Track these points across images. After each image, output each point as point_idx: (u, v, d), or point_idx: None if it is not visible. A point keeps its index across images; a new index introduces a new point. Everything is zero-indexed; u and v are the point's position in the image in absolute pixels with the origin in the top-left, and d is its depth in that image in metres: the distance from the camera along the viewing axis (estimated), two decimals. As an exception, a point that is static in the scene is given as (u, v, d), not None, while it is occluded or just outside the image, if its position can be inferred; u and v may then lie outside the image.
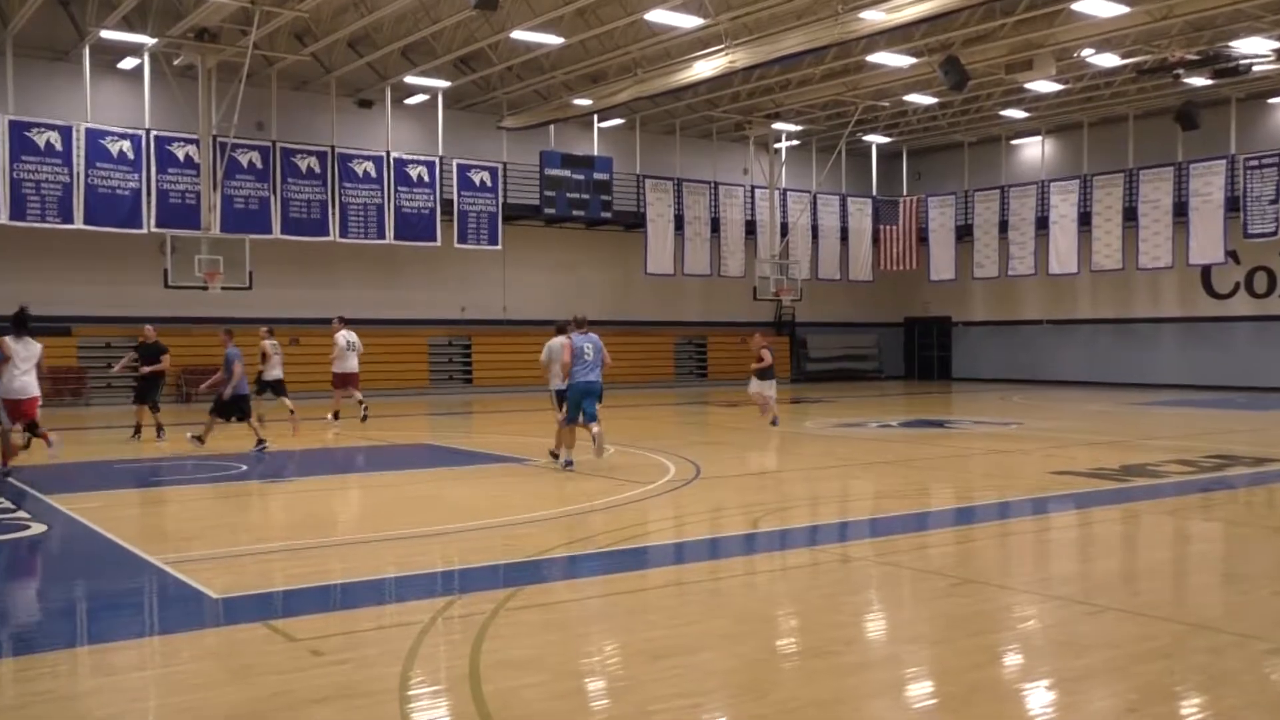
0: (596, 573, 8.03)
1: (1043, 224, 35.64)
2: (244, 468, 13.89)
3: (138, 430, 18.43)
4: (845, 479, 13.03)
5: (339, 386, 21.65)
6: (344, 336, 21.50)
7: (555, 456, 14.66)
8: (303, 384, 26.11)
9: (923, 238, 38.74)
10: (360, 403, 21.21)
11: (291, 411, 19.28)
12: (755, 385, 20.84)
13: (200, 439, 16.93)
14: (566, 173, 32.66)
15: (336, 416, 21.29)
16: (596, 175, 33.11)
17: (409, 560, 8.46)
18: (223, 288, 26.42)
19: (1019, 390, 33.12)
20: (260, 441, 16.55)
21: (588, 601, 7.25)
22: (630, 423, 21.26)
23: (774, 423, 20.28)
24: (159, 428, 18.21)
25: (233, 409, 16.75)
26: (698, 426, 21.38)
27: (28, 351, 13.66)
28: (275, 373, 19.81)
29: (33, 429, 13.72)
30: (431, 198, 30.69)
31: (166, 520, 10.36)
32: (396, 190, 29.84)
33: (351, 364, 21.54)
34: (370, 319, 31.28)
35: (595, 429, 14.16)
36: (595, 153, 33.66)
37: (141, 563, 8.35)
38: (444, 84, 29.55)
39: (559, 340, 15.00)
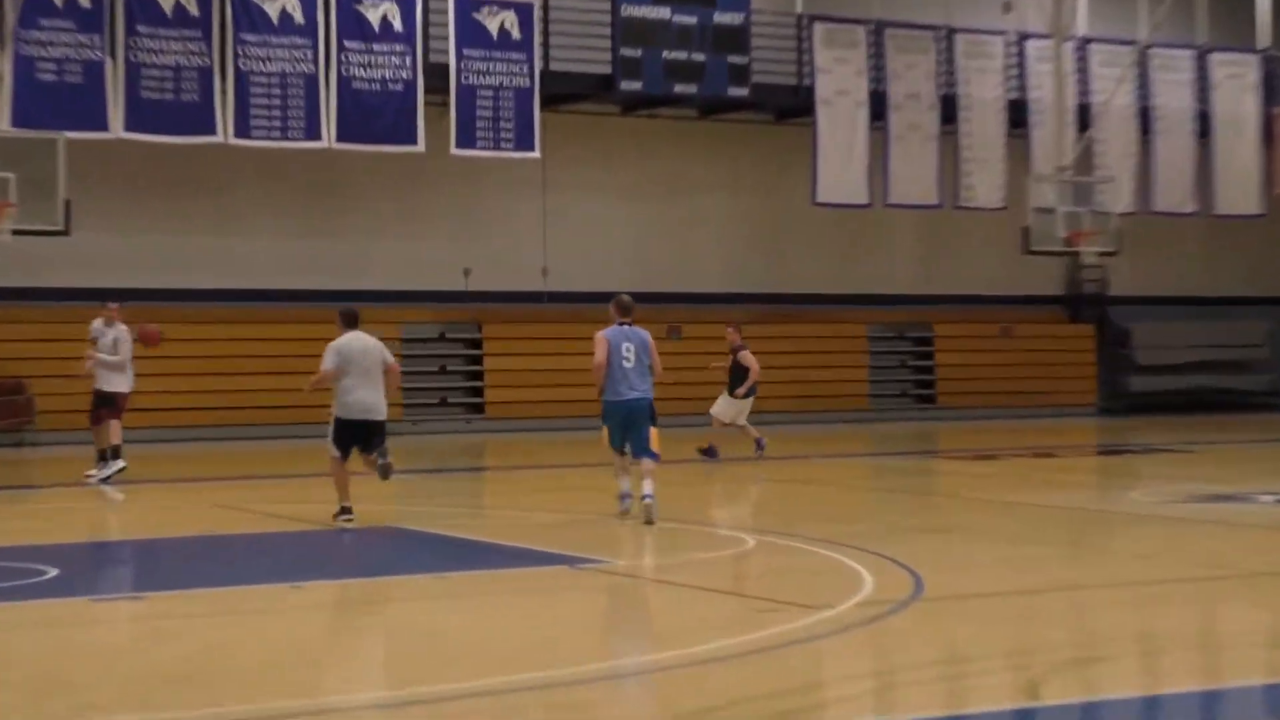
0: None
1: None
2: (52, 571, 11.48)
3: None
4: (1224, 608, 10.43)
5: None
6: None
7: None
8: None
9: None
10: None
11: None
12: (724, 405, 20.63)
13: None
14: (663, 11, 26.73)
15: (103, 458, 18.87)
16: (720, 17, 27.52)
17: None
18: (15, 230, 21.18)
19: None
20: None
21: None
22: (783, 488, 19.12)
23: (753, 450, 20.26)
24: None
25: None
26: (915, 496, 18.69)
27: None
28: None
29: None
30: (407, 62, 25.09)
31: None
32: (341, 49, 24.71)
33: None
34: (290, 290, 26.77)
35: (647, 483, 13.45)
36: (718, -24, 29.42)
37: None
38: None
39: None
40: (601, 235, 28.91)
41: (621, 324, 14.15)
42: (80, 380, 23.38)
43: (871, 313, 31.36)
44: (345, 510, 13.77)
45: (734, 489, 18.77)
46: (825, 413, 29.63)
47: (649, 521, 13.38)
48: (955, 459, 23.24)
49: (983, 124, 29.78)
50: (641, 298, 28.01)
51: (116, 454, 18.28)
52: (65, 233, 21.81)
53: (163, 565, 12.75)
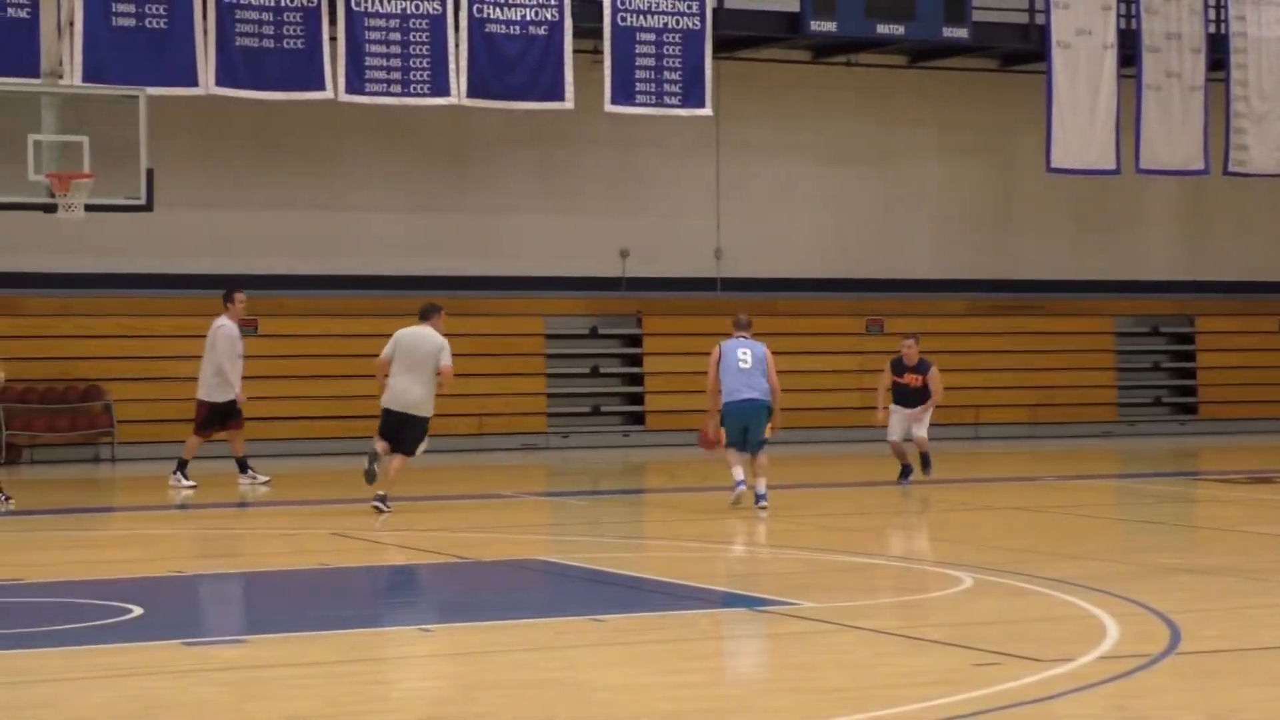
0: None
1: None
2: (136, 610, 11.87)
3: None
4: None
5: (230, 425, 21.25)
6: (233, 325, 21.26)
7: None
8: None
9: None
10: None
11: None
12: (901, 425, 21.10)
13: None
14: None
15: (242, 469, 21.20)
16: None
17: None
18: (89, 205, 21.00)
19: None
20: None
21: None
22: (1008, 516, 19.25)
23: (904, 475, 20.95)
24: None
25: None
26: (1171, 528, 19.10)
27: None
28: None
29: None
30: (553, 1, 25.37)
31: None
32: (474, -8, 26.04)
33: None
34: (410, 276, 27.02)
35: (761, 482, 17.36)
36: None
37: None
38: None
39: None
40: (786, 210, 28.89)
41: (741, 336, 17.56)
42: (162, 384, 24.22)
43: (1120, 303, 31.21)
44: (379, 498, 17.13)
45: (946, 517, 18.86)
46: (1063, 425, 29.73)
47: (761, 499, 17.22)
48: (1221, 482, 23.24)
49: (1260, 70, 29.45)
50: (836, 285, 28.51)
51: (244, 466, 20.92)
52: (148, 207, 21.84)
53: (267, 603, 13.08)
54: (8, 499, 18.20)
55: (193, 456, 20.49)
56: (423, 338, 17.30)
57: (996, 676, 9.53)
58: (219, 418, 20.44)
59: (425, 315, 17.56)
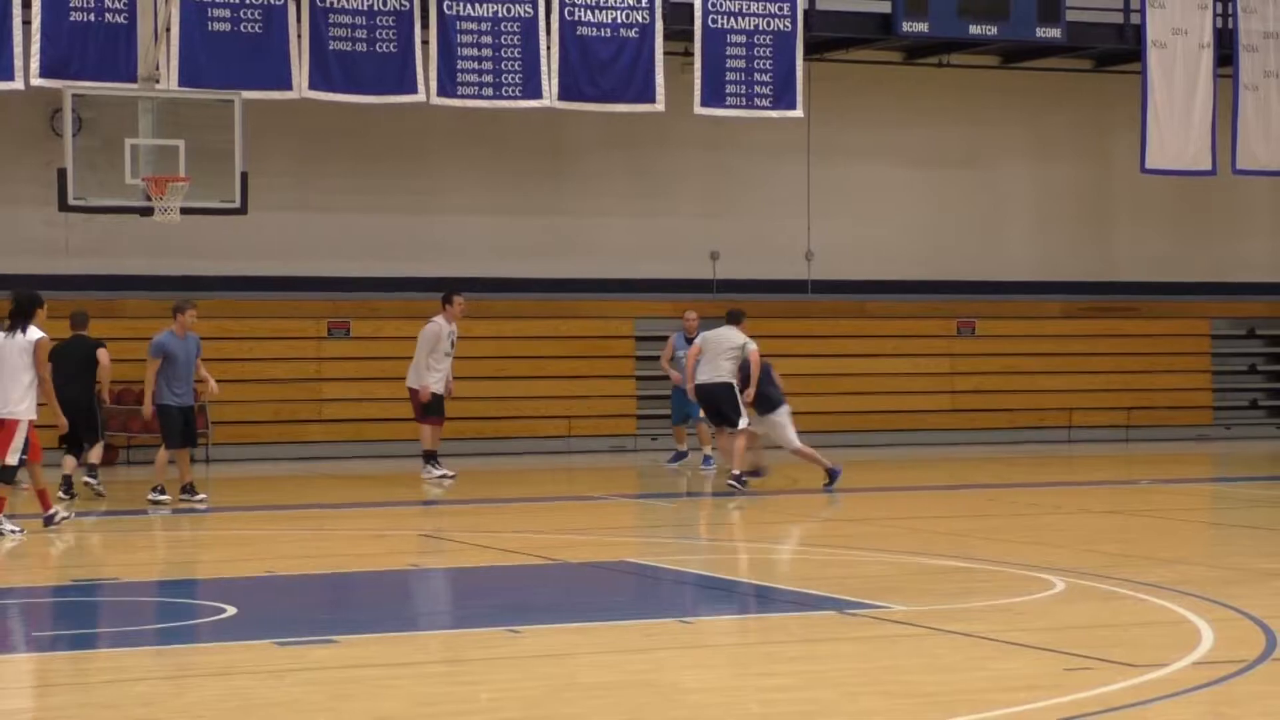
0: None
1: None
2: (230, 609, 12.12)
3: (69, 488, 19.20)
4: None
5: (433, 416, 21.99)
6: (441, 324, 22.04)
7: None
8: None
9: None
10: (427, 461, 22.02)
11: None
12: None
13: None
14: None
15: (432, 461, 22.01)
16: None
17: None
18: (185, 208, 21.41)
19: None
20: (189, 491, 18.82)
21: None
22: (1102, 520, 19.07)
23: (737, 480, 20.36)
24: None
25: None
26: (1270, 533, 18.44)
27: None
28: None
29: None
30: (644, 3, 25.40)
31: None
32: (565, -4, 26.34)
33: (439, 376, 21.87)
34: (500, 279, 27.21)
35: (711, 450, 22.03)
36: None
37: None
38: None
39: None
40: (878, 212, 28.78)
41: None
42: (256, 386, 24.49)
43: (1216, 305, 31.06)
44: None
45: (1039, 520, 18.70)
46: (1157, 428, 29.50)
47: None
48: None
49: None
50: (928, 287, 28.43)
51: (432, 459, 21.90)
52: (242, 210, 22.08)
53: (358, 604, 13.17)
54: (192, 498, 18.55)
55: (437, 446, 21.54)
56: (724, 334, 20.10)
57: (1089, 681, 9.50)
58: (437, 405, 21.26)
59: (737, 319, 20.32)
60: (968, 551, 14.59)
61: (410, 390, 21.80)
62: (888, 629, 11.33)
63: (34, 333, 15.87)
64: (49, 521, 15.97)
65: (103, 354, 19.30)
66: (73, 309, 19.91)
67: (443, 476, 21.37)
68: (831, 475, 20.27)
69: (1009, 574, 13.86)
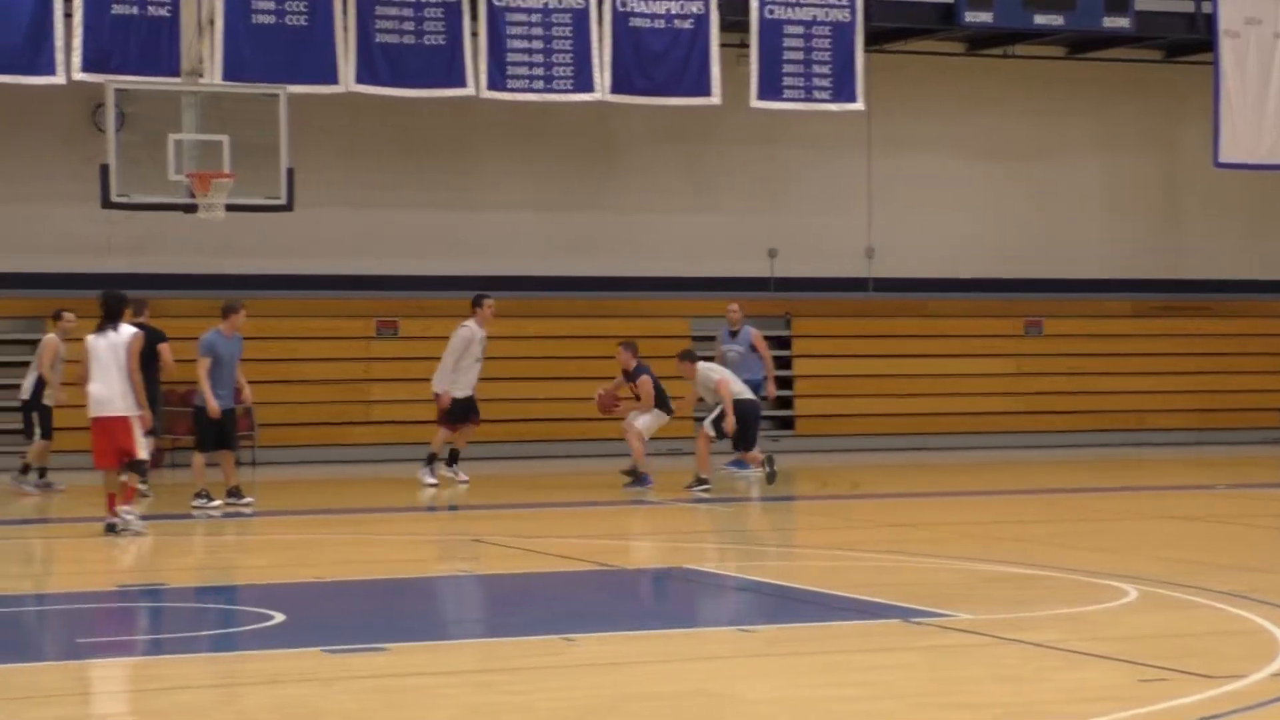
0: None
1: None
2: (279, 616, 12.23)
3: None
4: None
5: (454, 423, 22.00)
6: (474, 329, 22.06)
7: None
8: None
9: None
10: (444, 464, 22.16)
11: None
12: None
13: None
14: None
15: (450, 461, 22.10)
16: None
17: None
18: (229, 205, 21.62)
19: None
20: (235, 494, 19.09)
21: None
22: (1177, 526, 19.08)
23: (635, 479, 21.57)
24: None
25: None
26: None
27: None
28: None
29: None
30: None
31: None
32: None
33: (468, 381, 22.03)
34: (550, 277, 27.67)
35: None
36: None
37: None
38: None
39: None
40: (941, 207, 28.83)
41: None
42: (302, 387, 24.52)
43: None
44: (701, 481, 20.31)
45: (1109, 526, 18.67)
46: (1231, 430, 29.55)
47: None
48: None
49: None
50: (993, 285, 28.34)
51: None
52: (288, 207, 22.22)
53: (408, 610, 13.18)
54: (240, 500, 18.75)
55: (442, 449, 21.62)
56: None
57: (1163, 693, 9.38)
58: (460, 412, 21.25)
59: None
60: (1036, 558, 14.60)
61: (435, 394, 21.89)
62: (954, 638, 11.27)
63: (126, 330, 16.35)
64: (112, 529, 16.21)
65: (165, 349, 19.50)
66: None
67: (434, 484, 21.28)
68: (638, 478, 21.00)
69: (1079, 581, 13.78)
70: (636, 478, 21.00)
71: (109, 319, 16.37)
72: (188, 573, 15.28)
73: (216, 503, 18.67)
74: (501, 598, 14.02)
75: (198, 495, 18.63)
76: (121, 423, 16.18)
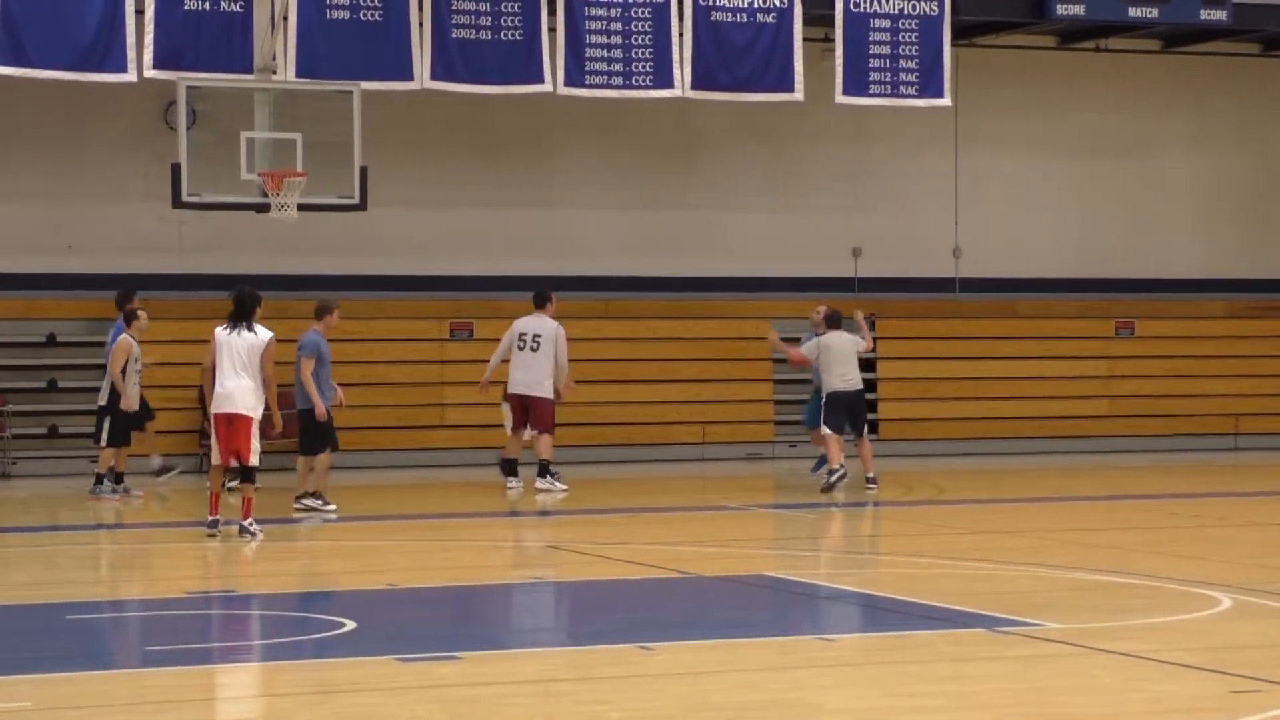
0: None
1: None
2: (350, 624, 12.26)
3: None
4: None
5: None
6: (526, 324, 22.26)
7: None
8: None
9: None
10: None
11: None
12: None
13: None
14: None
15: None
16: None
17: None
18: (302, 204, 21.83)
19: None
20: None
21: None
22: (1272, 533, 18.78)
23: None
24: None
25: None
26: None
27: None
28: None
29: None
30: None
31: None
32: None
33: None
34: (629, 277, 27.71)
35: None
36: None
37: None
38: None
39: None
40: (1031, 206, 28.78)
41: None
42: (375, 390, 24.62)
43: None
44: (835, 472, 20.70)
45: (1202, 533, 18.59)
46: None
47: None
48: None
49: None
50: (1083, 285, 28.22)
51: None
52: (361, 206, 22.33)
53: (482, 618, 13.24)
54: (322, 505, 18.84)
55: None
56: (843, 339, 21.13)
57: (1257, 704, 9.40)
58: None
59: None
60: (1126, 566, 14.54)
61: (540, 400, 21.51)
62: (1041, 648, 11.25)
63: (263, 332, 16.36)
64: (213, 526, 16.43)
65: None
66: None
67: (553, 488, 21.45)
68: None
69: (1170, 590, 13.75)
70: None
71: (241, 317, 16.32)
72: (255, 580, 15.31)
73: (333, 506, 18.82)
74: (577, 605, 14.05)
75: (308, 495, 18.71)
76: (242, 421, 16.23)
